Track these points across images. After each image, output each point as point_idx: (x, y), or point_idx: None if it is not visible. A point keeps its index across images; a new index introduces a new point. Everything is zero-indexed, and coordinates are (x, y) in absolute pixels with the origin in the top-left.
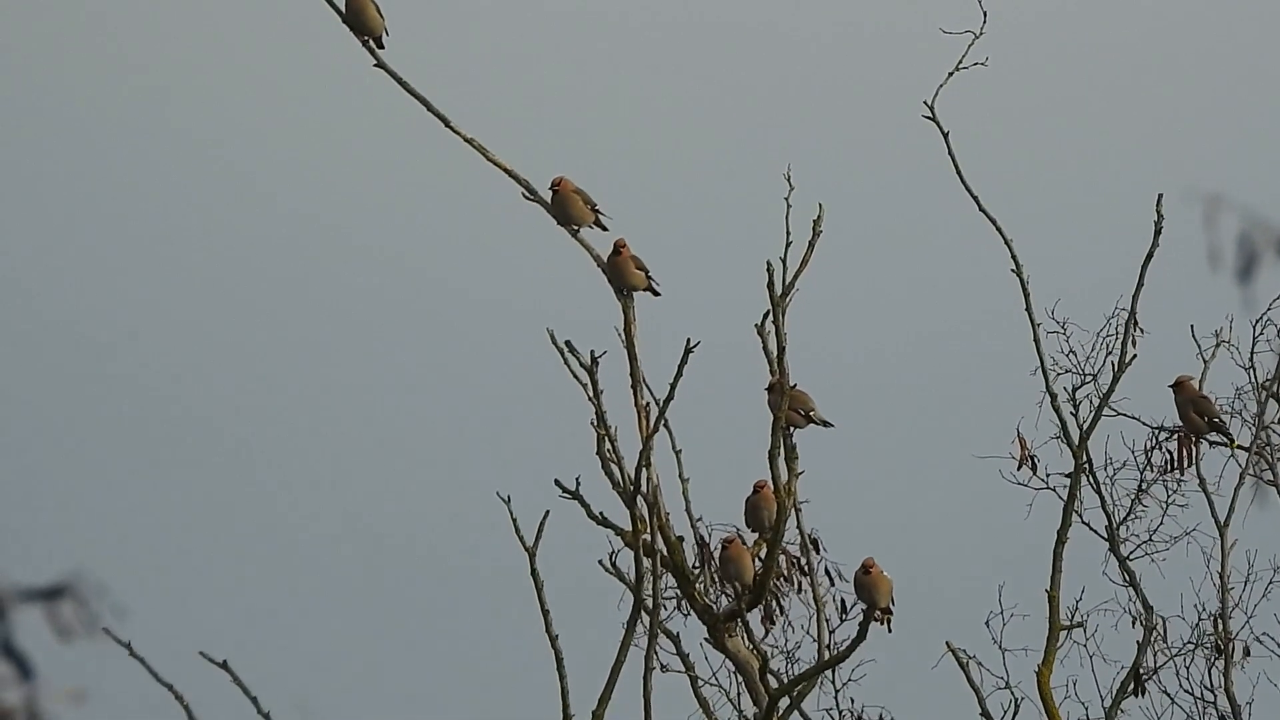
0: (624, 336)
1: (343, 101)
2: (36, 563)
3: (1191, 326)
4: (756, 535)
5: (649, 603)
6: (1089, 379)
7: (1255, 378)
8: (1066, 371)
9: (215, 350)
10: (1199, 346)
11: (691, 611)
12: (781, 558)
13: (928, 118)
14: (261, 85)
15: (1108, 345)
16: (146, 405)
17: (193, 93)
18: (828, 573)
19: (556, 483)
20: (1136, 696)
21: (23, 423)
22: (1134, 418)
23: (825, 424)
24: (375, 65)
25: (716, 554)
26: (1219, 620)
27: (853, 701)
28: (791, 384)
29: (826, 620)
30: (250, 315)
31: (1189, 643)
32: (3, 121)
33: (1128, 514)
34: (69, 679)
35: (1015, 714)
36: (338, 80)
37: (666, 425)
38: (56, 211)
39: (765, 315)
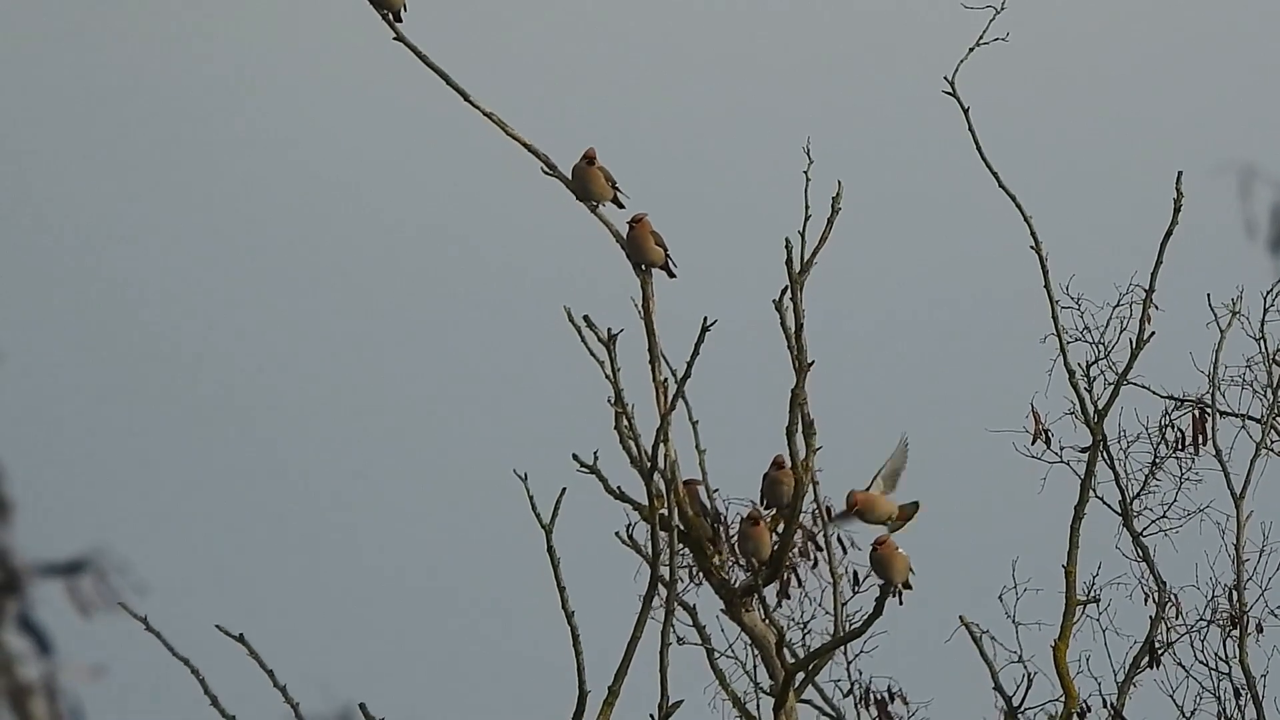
0: (642, 312)
1: (363, 75)
2: (56, 538)
3: (1208, 295)
4: (774, 510)
5: (666, 576)
6: (1104, 355)
7: (1266, 348)
8: (1076, 341)
9: (232, 325)
10: (1214, 315)
11: (708, 585)
12: (798, 532)
13: (948, 93)
14: (282, 58)
15: (1121, 320)
16: (166, 379)
17: (217, 64)
18: (840, 543)
19: (574, 457)
20: (1151, 670)
21: (43, 397)
22: (1148, 389)
23: (672, 273)
24: (395, 39)
25: (734, 530)
26: (1234, 593)
27: (861, 674)
28: (811, 361)
29: (840, 594)
30: (264, 292)
31: (1203, 617)
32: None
33: (1141, 488)
34: (85, 654)
35: (1029, 688)
36: (358, 54)
37: (684, 400)
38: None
39: (783, 291)
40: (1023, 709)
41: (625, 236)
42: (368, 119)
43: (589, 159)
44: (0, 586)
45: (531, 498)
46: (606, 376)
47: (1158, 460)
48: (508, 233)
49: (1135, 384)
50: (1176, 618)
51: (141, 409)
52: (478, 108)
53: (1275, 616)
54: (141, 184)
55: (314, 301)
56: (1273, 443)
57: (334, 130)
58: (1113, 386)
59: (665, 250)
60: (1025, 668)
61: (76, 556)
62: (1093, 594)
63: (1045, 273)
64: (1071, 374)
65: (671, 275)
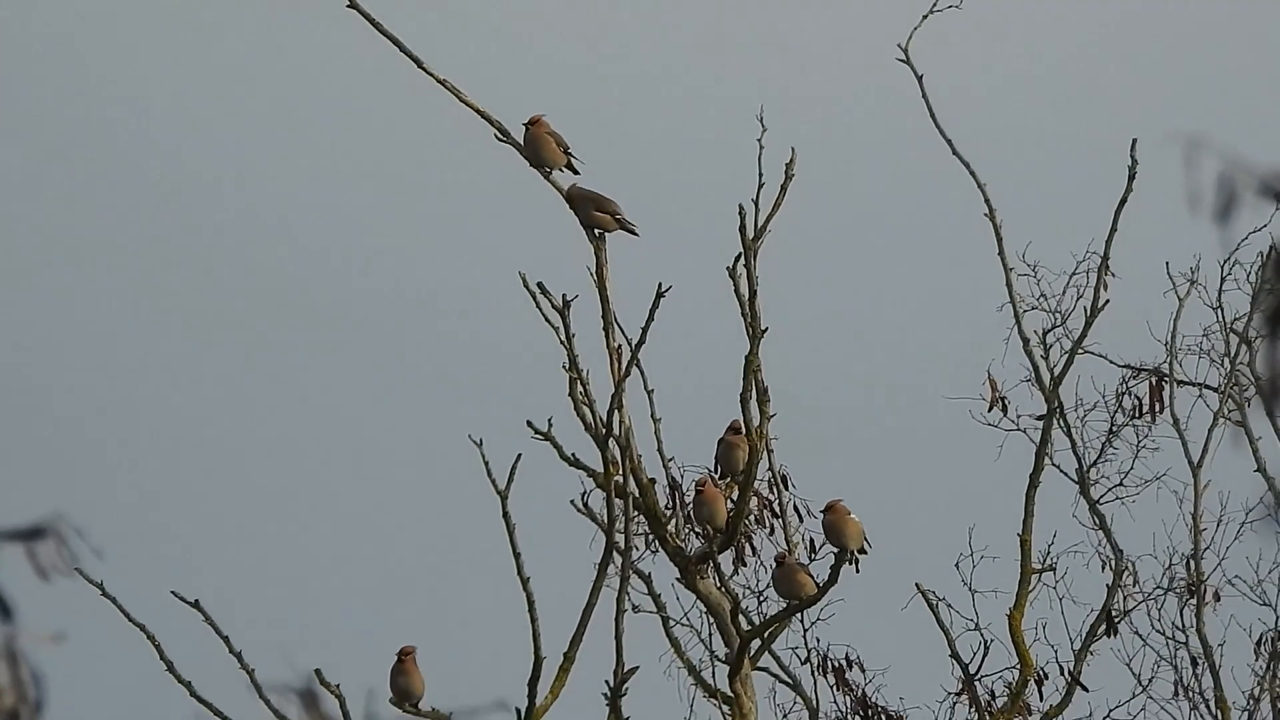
0: (596, 279)
1: (317, 41)
2: (14, 504)
3: (1167, 264)
4: (729, 478)
5: (621, 544)
6: (1060, 322)
7: (1223, 318)
8: (1033, 309)
9: (179, 277)
10: (1172, 284)
11: (663, 552)
12: (753, 499)
13: (902, 60)
14: (241, 18)
15: (1078, 288)
16: (123, 335)
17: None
18: (797, 510)
19: (529, 424)
20: (1108, 638)
21: (7, 370)
22: (1104, 357)
23: (631, 230)
24: (349, 5)
25: (689, 496)
26: (1191, 562)
27: (818, 641)
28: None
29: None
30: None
31: (1160, 586)
32: None
33: (1098, 456)
34: (43, 620)
35: (985, 656)
36: (311, 20)
37: (639, 367)
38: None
39: (737, 258)
40: (980, 676)
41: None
42: (320, 85)
43: (534, 123)
44: None
45: (487, 463)
46: (561, 342)
47: (1114, 428)
48: (461, 199)
49: (1092, 352)
50: (1134, 586)
51: (101, 367)
52: (431, 75)
53: (1232, 585)
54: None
55: (274, 281)
56: (1230, 412)
57: (287, 95)
58: (1068, 354)
59: (614, 214)
60: (982, 635)
61: (36, 522)
62: (1049, 562)
63: (999, 240)
64: (1027, 341)
65: (633, 234)
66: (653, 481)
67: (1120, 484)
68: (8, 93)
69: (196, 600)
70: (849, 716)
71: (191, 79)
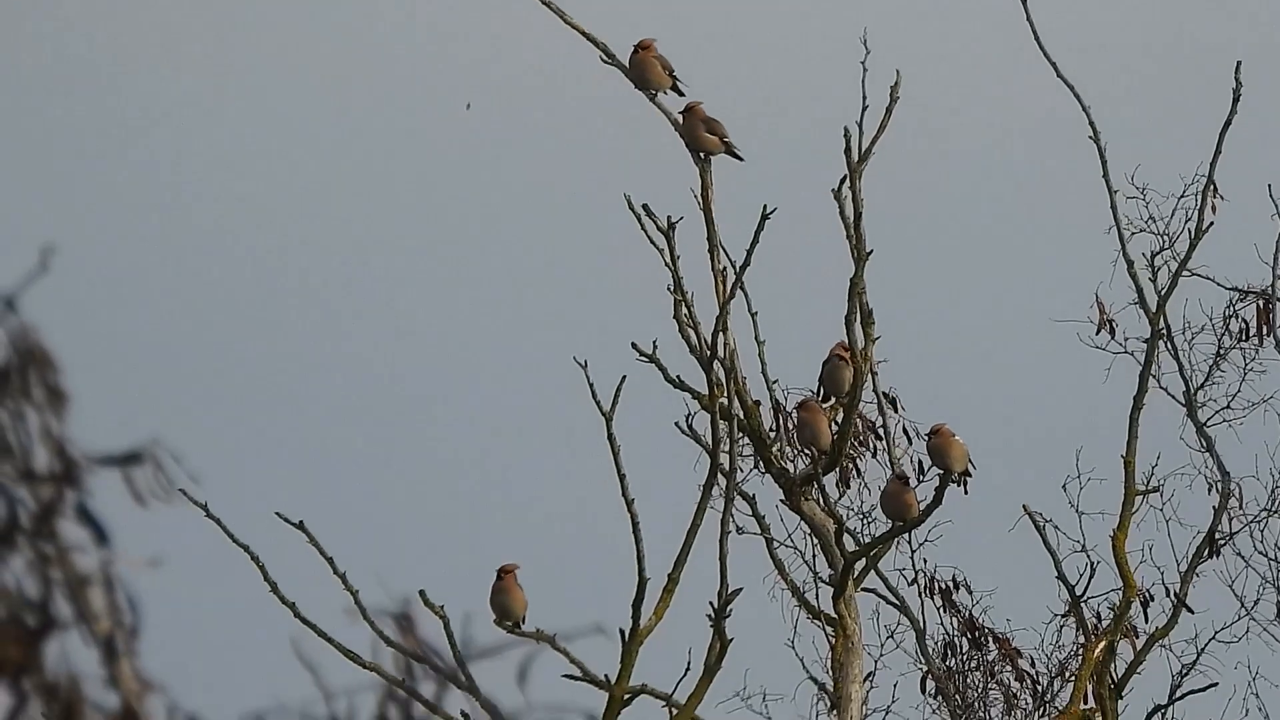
0: (700, 201)
1: None
2: (114, 428)
3: (1269, 186)
4: (833, 400)
5: (725, 465)
6: (1166, 245)
7: None
8: (1140, 232)
9: (280, 207)
10: (1276, 207)
11: (768, 474)
12: (858, 421)
13: None
14: None
15: (1185, 211)
16: (221, 266)
17: None
18: (905, 432)
19: (634, 346)
20: (1212, 560)
21: (100, 289)
22: (1211, 280)
23: (737, 155)
24: None
25: (794, 418)
26: None
27: (925, 562)
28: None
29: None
30: (334, 184)
31: (1265, 508)
32: None
33: (1205, 379)
34: (143, 544)
35: (1091, 578)
36: None
37: (743, 290)
38: None
39: (842, 180)
40: (1085, 598)
41: (681, 124)
42: (431, 7)
43: (644, 47)
44: (57, 477)
45: (591, 385)
46: (665, 264)
47: (1221, 351)
48: (567, 121)
49: (1198, 275)
50: (1239, 508)
51: (198, 296)
52: None
53: None
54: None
55: (381, 204)
56: None
57: (398, 17)
58: (1175, 277)
59: (723, 137)
60: (1088, 557)
61: (134, 446)
62: (1154, 484)
63: (1104, 163)
64: (1133, 264)
65: (738, 158)
66: (757, 404)
67: (1227, 406)
68: None
69: (301, 521)
70: (955, 638)
71: None
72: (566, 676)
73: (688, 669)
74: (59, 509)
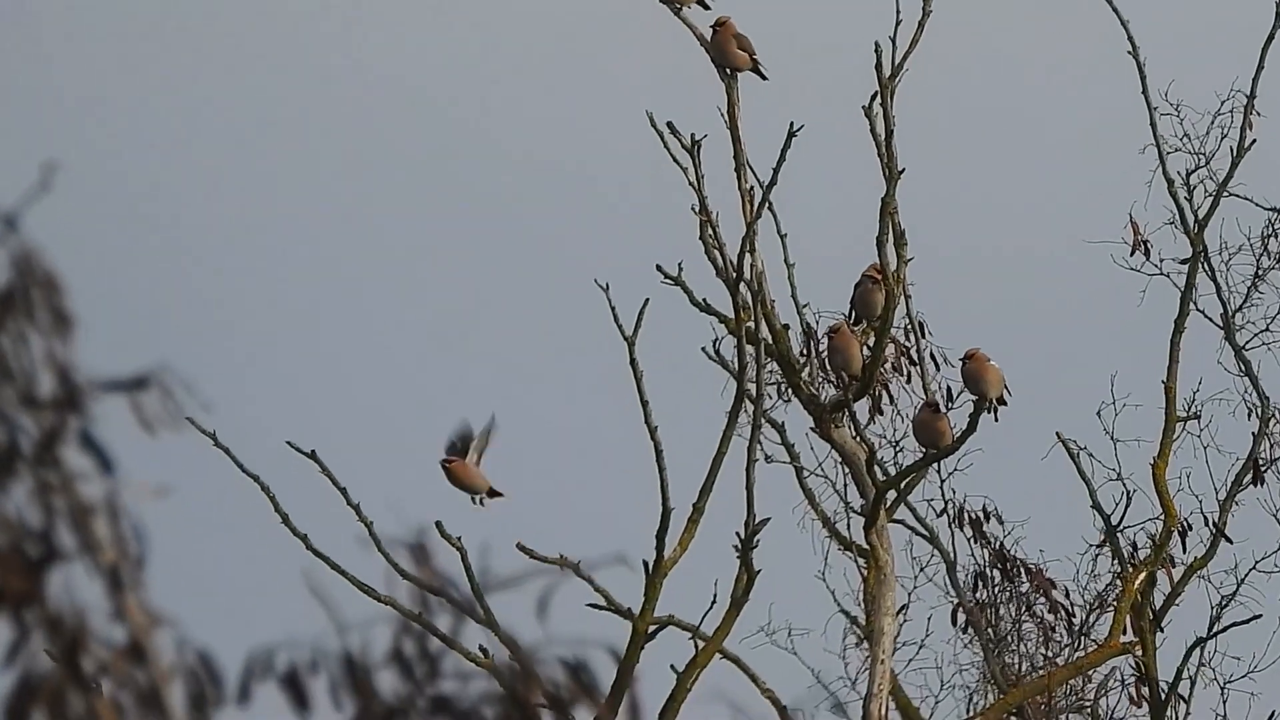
0: (727, 119)
1: None
2: (121, 353)
3: None
4: (865, 324)
5: (752, 391)
6: (1204, 163)
7: None
8: (1176, 150)
9: (291, 117)
10: None
11: (796, 401)
12: (889, 346)
13: None
14: None
15: (1223, 128)
16: (234, 183)
17: None
18: (934, 358)
19: (658, 268)
20: (1254, 487)
21: (106, 207)
22: (1250, 200)
23: (762, 74)
24: None
25: (823, 343)
26: None
27: (955, 492)
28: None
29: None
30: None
31: None
32: None
33: (1244, 301)
34: (150, 472)
35: (1128, 507)
36: None
37: (771, 210)
38: None
39: (873, 97)
40: (1122, 528)
41: (709, 40)
42: None
43: None
44: (62, 403)
45: (613, 308)
46: (690, 184)
47: (1260, 272)
48: (589, 34)
49: (1237, 195)
50: None
51: (209, 215)
52: None
53: None
54: None
55: (393, 123)
56: None
57: None
58: (1213, 196)
59: (751, 54)
60: (1124, 485)
61: (141, 372)
62: (1193, 410)
63: (1143, 79)
64: (1171, 183)
65: (763, 77)
66: (786, 327)
67: (1266, 329)
68: None
69: (313, 451)
70: (987, 569)
71: None
72: (590, 605)
73: (713, 602)
74: (62, 436)
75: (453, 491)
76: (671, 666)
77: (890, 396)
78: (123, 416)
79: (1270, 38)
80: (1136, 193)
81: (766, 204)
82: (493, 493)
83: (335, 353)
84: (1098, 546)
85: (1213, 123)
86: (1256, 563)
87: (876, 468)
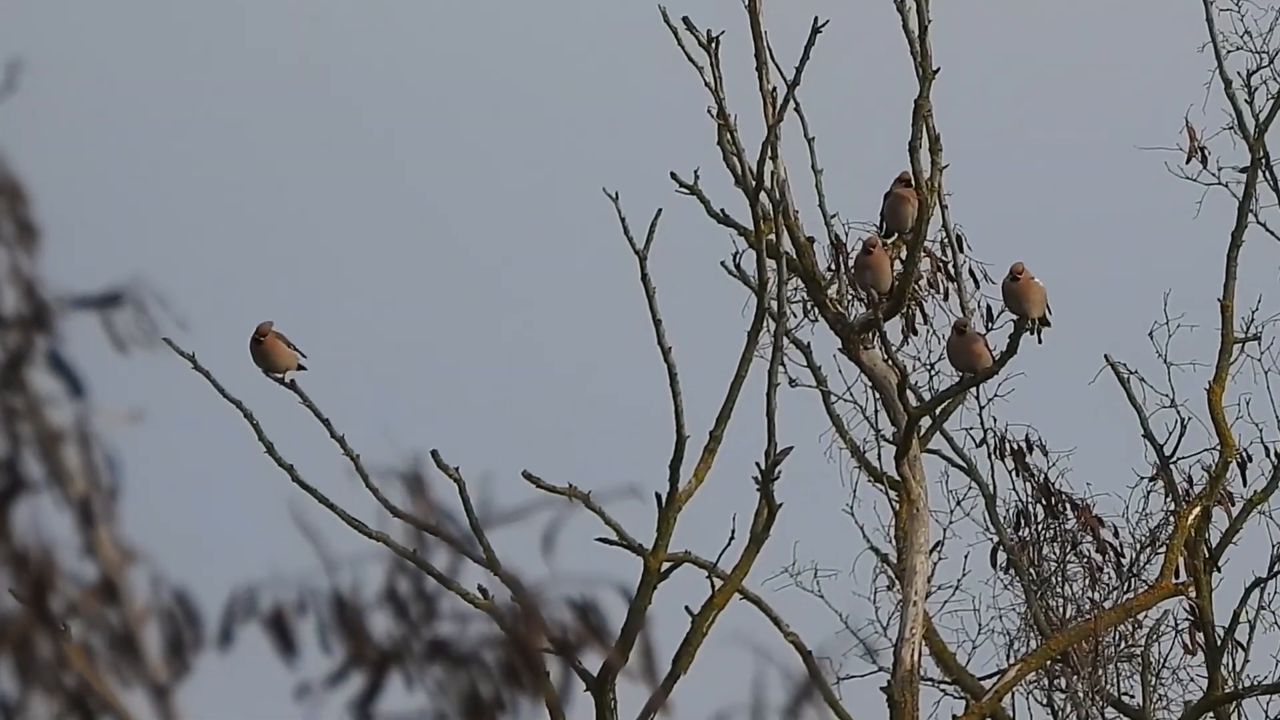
0: (748, 11)
1: None
2: (91, 267)
3: None
4: (896, 236)
5: (775, 309)
6: (1267, 63)
7: None
8: (1236, 50)
9: (284, 18)
10: None
11: (822, 320)
12: (924, 260)
13: None
14: None
15: None
16: (213, 86)
17: None
18: (972, 274)
19: (672, 176)
20: None
21: (76, 110)
22: None
23: None
24: None
25: (852, 257)
26: None
27: (996, 420)
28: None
29: (974, 328)
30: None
31: None
32: None
33: None
34: (123, 396)
35: (1182, 436)
36: None
37: (796, 113)
38: None
39: None
40: (1176, 459)
41: None
42: None
43: None
44: (27, 321)
45: (624, 220)
46: (706, 84)
47: None
48: None
49: None
50: None
51: (187, 120)
52: None
53: None
54: None
55: (405, 27)
56: None
57: None
58: (1275, 99)
59: None
60: (1179, 413)
61: (113, 287)
62: (1252, 331)
63: None
64: (1229, 84)
65: None
66: (811, 240)
67: None
68: None
69: (292, 380)
70: (1029, 505)
71: None
72: (600, 540)
73: (732, 538)
74: (29, 357)
75: (451, 416)
76: (686, 608)
77: (925, 315)
78: (94, 335)
79: None
80: (1193, 95)
81: (790, 105)
82: (300, 367)
83: (326, 267)
84: (1149, 480)
85: (1277, 18)
86: None
87: (909, 393)
